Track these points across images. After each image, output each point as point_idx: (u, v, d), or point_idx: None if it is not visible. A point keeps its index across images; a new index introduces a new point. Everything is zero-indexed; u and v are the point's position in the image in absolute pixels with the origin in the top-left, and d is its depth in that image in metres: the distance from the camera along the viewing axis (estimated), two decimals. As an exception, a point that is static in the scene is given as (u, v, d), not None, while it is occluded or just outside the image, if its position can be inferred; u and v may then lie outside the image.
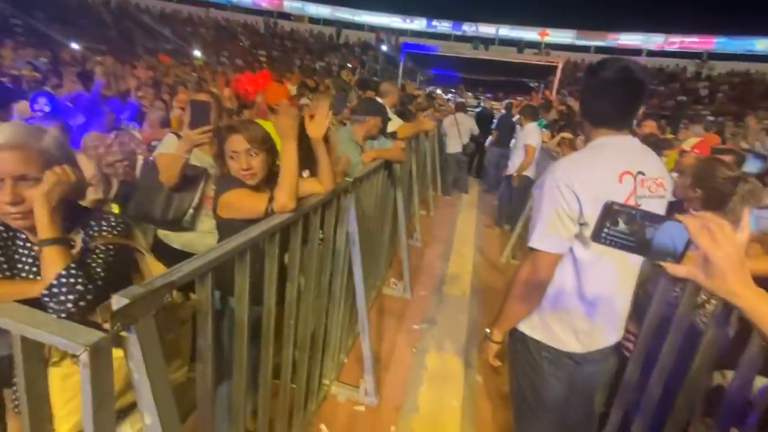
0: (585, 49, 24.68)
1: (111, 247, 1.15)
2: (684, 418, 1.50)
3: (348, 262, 2.24)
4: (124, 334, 0.82)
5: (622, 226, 0.75)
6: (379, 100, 3.17)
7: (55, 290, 0.96)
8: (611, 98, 1.27)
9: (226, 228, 1.59)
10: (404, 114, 4.23)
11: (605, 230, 0.76)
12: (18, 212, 1.03)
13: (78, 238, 1.12)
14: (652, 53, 24.57)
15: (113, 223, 1.20)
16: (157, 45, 18.22)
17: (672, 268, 0.75)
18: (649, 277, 1.85)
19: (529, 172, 5.14)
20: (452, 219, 5.84)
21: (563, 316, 1.39)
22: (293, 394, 1.91)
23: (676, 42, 24.58)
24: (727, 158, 2.66)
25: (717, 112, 17.76)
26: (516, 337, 1.50)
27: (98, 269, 1.10)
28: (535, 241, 1.28)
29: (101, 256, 1.12)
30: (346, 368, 2.61)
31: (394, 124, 3.53)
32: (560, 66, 12.25)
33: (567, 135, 4.39)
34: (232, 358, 1.41)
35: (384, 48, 19.92)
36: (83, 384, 0.79)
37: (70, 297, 0.96)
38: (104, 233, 1.16)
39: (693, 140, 2.93)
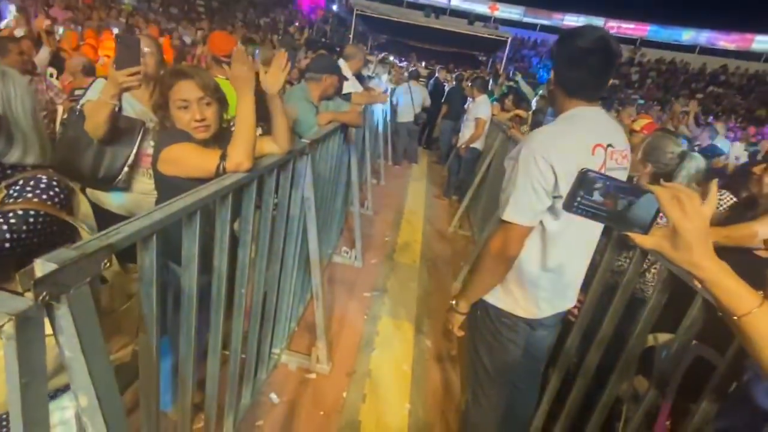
0: (532, 26, 25.18)
1: (32, 215, 0.92)
2: (623, 379, 1.62)
3: (302, 228, 2.14)
4: (54, 304, 0.70)
5: (595, 195, 0.74)
6: (342, 62, 2.98)
7: None
8: (588, 67, 1.26)
9: (167, 186, 1.40)
10: (362, 78, 4.06)
11: (578, 199, 0.75)
12: None
13: None
14: (591, 36, 25.53)
15: (47, 188, 0.97)
16: (76, -18, 16.03)
17: (639, 239, 0.75)
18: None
19: (478, 145, 5.23)
20: (402, 189, 5.84)
21: (526, 285, 1.41)
22: (243, 364, 1.83)
23: (614, 27, 25.77)
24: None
25: (645, 96, 19.08)
26: (477, 305, 1.52)
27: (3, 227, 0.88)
28: (509, 214, 1.27)
29: (11, 222, 0.90)
30: (296, 336, 2.55)
31: (352, 86, 3.38)
32: (509, 41, 12.44)
33: (521, 113, 4.48)
34: (177, 329, 1.30)
35: (334, 8, 19.05)
36: (7, 360, 0.66)
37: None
38: (31, 198, 0.94)
39: (642, 121, 3.09)
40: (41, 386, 0.73)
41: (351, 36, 12.46)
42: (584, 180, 0.73)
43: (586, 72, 1.27)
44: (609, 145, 1.30)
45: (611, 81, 1.41)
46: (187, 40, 8.25)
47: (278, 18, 18.30)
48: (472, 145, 5.23)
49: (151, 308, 1.00)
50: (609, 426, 1.78)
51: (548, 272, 1.40)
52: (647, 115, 5.50)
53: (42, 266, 0.68)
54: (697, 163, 1.76)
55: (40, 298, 0.66)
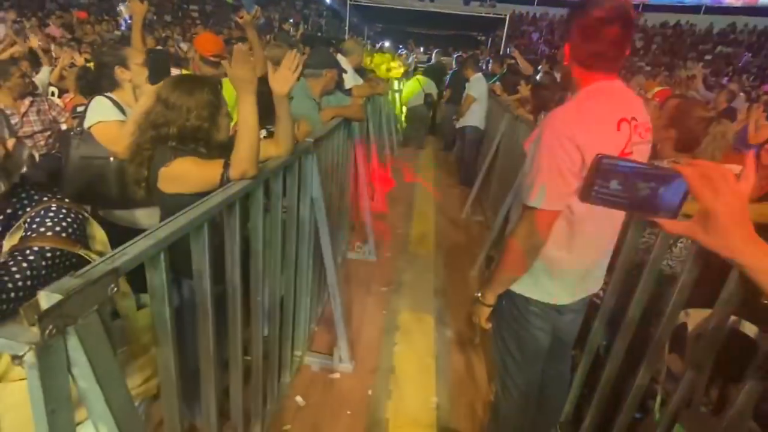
0: (529, 1, 24.64)
1: (48, 251, 0.90)
2: (655, 361, 1.56)
3: (314, 229, 2.11)
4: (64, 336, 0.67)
5: (613, 184, 0.67)
6: (341, 58, 2.91)
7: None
8: (606, 38, 1.17)
9: (171, 206, 1.34)
10: (362, 71, 3.98)
11: (595, 188, 0.68)
12: None
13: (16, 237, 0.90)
14: (592, 5, 24.89)
15: (61, 220, 0.94)
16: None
17: (668, 225, 0.68)
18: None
19: (478, 123, 5.13)
20: (411, 178, 5.77)
21: (554, 270, 1.36)
22: (266, 370, 1.81)
23: (615, -7, 25.03)
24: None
25: (651, 63, 18.58)
26: (501, 295, 1.47)
27: (15, 280, 0.85)
28: (535, 200, 1.20)
29: (30, 259, 0.88)
30: (317, 336, 2.54)
31: (352, 80, 3.31)
32: (507, 19, 12.17)
33: (524, 91, 4.36)
34: (196, 344, 1.28)
35: (328, 1, 18.83)
36: (32, 389, 0.65)
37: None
38: (45, 232, 0.91)
39: (655, 89, 2.99)
40: (68, 413, 0.72)
41: (347, 27, 12.29)
42: (600, 168, 0.67)
43: (605, 44, 1.18)
44: (633, 119, 1.22)
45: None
46: (184, 47, 8.22)
47: (273, 16, 18.17)
48: (471, 124, 5.14)
49: (165, 326, 0.97)
50: (642, 404, 1.73)
51: (576, 256, 1.34)
52: (654, 82, 5.34)
53: (46, 298, 0.65)
54: (723, 128, 1.67)
55: (47, 332, 0.63)
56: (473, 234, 4.23)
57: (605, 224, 1.36)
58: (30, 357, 0.63)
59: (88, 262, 0.94)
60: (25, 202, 0.96)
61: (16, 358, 0.64)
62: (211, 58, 2.72)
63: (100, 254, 0.98)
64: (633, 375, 1.87)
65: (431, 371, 2.37)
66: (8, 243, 0.90)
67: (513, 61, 6.89)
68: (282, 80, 1.39)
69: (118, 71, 1.82)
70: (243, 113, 1.29)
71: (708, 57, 18.76)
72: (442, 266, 3.55)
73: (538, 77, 5.91)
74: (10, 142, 0.91)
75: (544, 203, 1.20)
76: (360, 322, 2.73)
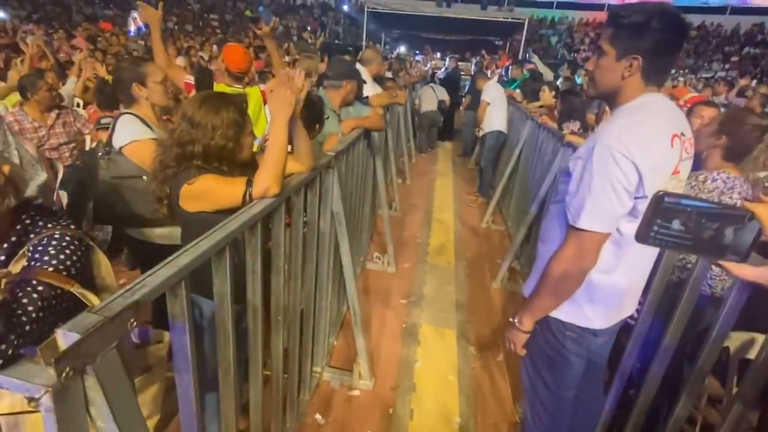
0: (548, 4, 24.38)
1: (54, 286, 0.87)
2: (696, 390, 1.47)
3: (334, 243, 2.07)
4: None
5: (675, 224, 0.61)
6: (360, 67, 2.88)
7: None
8: (675, 52, 1.12)
9: (193, 224, 1.33)
10: (380, 79, 3.95)
11: (655, 229, 0.62)
12: None
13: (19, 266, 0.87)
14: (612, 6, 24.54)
15: (62, 250, 0.91)
16: (97, 11, 16.61)
17: (737, 269, 0.62)
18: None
19: (501, 127, 5.05)
20: (429, 186, 5.71)
21: (596, 296, 1.28)
22: (285, 387, 1.78)
23: (636, -5, 24.57)
24: (709, 110, 2.63)
25: (675, 65, 18.11)
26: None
27: (29, 312, 0.81)
28: (585, 221, 1.13)
29: (39, 290, 0.84)
30: (336, 351, 2.49)
31: (371, 89, 3.28)
32: (526, 23, 12.03)
33: (547, 100, 4.27)
34: (213, 365, 1.25)
35: (345, 8, 18.98)
36: None
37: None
38: (46, 265, 0.88)
39: (687, 95, 2.88)
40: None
41: (364, 34, 12.34)
42: (660, 206, 0.60)
43: (668, 56, 1.12)
44: (682, 134, 1.15)
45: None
46: (204, 56, 8.36)
47: (290, 24, 18.41)
48: (489, 130, 5.06)
49: (185, 355, 0.94)
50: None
51: (619, 279, 1.26)
52: (685, 88, 5.17)
53: (64, 337, 0.62)
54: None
55: (64, 374, 0.60)
56: (494, 244, 4.14)
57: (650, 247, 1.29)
58: (46, 400, 0.60)
59: (81, 301, 0.91)
60: (29, 228, 0.94)
61: (33, 401, 0.61)
62: (236, 73, 2.73)
63: (101, 286, 0.95)
64: (668, 399, 1.78)
65: (454, 389, 2.30)
66: (13, 270, 0.87)
67: (533, 66, 6.79)
68: (282, 102, 1.31)
69: (135, 88, 1.81)
70: (274, 133, 1.28)
71: (734, 59, 18.21)
72: (463, 278, 3.47)
73: (559, 82, 5.80)
74: (6, 168, 0.88)
75: (595, 224, 1.13)
76: (379, 335, 2.68)
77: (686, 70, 15.64)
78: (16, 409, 0.88)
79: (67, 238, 0.92)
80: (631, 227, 1.16)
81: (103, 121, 3.03)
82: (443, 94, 7.12)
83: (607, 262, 1.23)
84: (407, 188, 5.49)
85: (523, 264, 3.42)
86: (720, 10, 21.43)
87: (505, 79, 6.55)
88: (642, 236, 0.62)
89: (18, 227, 0.93)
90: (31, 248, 0.89)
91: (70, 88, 4.35)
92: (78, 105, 4.25)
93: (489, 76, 6.16)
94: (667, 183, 1.14)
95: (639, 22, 1.11)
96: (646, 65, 1.14)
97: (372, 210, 3.67)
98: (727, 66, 17.50)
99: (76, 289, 0.85)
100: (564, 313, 1.32)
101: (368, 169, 3.07)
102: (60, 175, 2.61)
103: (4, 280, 0.79)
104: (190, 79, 2.58)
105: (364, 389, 2.25)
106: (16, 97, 3.37)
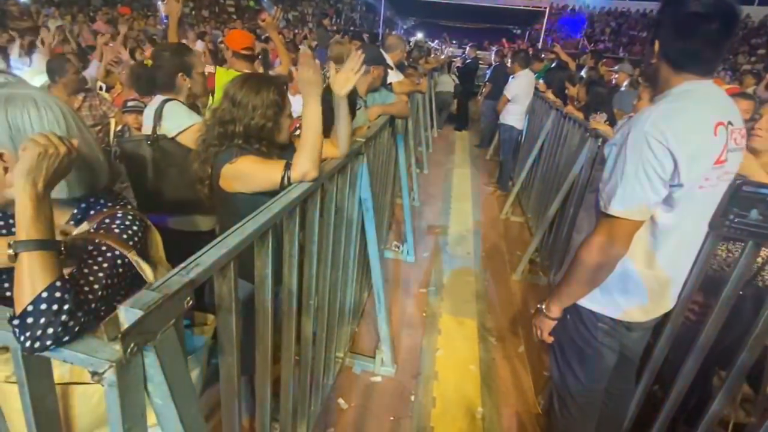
0: (569, -7, 23.78)
1: (117, 256, 0.88)
2: (732, 393, 1.44)
3: (360, 230, 2.06)
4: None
5: (754, 214, 0.58)
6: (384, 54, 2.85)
7: (30, 320, 0.67)
8: (702, 36, 1.06)
9: (231, 204, 1.35)
10: (400, 67, 3.90)
11: (730, 217, 0.59)
12: None
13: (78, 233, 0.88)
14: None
15: (127, 227, 0.92)
16: (114, -5, 16.66)
17: None
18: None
19: (515, 123, 4.96)
20: (447, 176, 5.67)
21: (630, 288, 1.26)
22: (311, 371, 1.79)
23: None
24: (746, 103, 2.54)
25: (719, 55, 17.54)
26: (567, 308, 1.36)
27: (96, 286, 0.82)
28: (617, 207, 1.10)
29: (104, 265, 0.85)
30: (357, 338, 2.51)
31: (394, 76, 3.24)
32: (547, 11, 11.78)
33: (572, 91, 4.16)
34: (245, 347, 1.26)
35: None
36: (110, 406, 0.64)
37: (50, 331, 0.67)
38: (110, 232, 0.90)
39: (723, 87, 2.78)
40: (143, 430, 0.69)
41: (381, 21, 12.22)
42: (738, 195, 0.58)
43: (701, 42, 1.07)
44: (729, 123, 1.10)
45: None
46: (223, 46, 8.36)
47: (306, 11, 18.28)
48: (506, 123, 4.98)
49: (230, 336, 0.94)
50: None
51: (656, 272, 1.23)
52: (719, 79, 5.01)
53: (126, 314, 0.62)
54: None
55: (128, 350, 0.60)
56: (513, 235, 4.10)
57: (693, 239, 1.24)
58: (110, 374, 0.61)
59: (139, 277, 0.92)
60: (92, 205, 0.95)
61: (96, 375, 0.62)
62: (242, 52, 2.74)
63: (155, 265, 0.96)
64: (698, 395, 1.75)
65: (476, 379, 2.30)
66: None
67: (553, 55, 6.64)
68: (343, 81, 1.35)
69: (180, 78, 1.81)
70: (307, 115, 1.27)
71: (761, 51, 17.62)
72: (482, 268, 3.45)
73: (582, 73, 5.67)
74: (74, 141, 0.88)
75: (627, 212, 1.10)
76: (400, 324, 2.68)
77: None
78: (65, 379, 0.89)
79: (130, 216, 0.94)
80: (667, 218, 1.14)
81: (129, 104, 3.05)
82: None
83: (643, 253, 1.20)
84: (425, 178, 5.46)
85: (543, 256, 3.38)
86: (747, 0, 20.70)
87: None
88: (716, 225, 0.60)
89: (82, 205, 0.94)
90: (95, 225, 0.90)
91: (93, 71, 4.39)
92: (101, 88, 4.29)
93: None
94: (708, 173, 1.10)
95: (662, 5, 1.14)
96: (667, 51, 1.13)
97: (392, 198, 3.65)
98: (753, 58, 16.92)
99: (133, 257, 0.86)
100: (597, 304, 1.31)
101: (391, 157, 3.05)
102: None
103: (71, 240, 0.81)
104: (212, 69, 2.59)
105: (386, 376, 2.26)
106: (41, 80, 3.41)
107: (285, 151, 1.40)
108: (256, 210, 1.03)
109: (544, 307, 1.35)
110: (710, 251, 1.54)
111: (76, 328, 0.68)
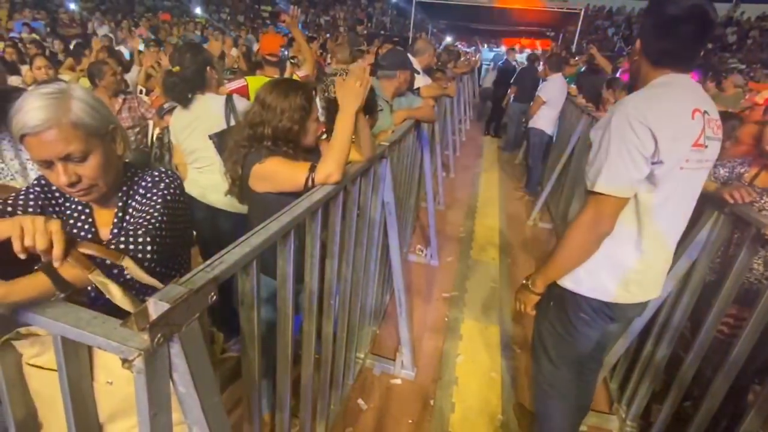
0: (605, -6, 23.11)
1: (169, 202, 1.00)
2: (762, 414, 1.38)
3: (383, 232, 2.09)
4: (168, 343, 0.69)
5: None
6: (411, 58, 2.88)
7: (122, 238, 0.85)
8: (679, 37, 1.15)
9: (259, 204, 1.41)
10: (429, 71, 3.91)
11: None
12: (80, 190, 0.92)
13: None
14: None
15: (164, 175, 1.04)
16: (156, 3, 17.43)
17: None
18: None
19: (546, 128, 4.86)
20: (474, 180, 5.62)
21: (615, 265, 1.30)
22: (331, 370, 1.82)
23: (705, -17, 22.77)
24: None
25: (745, 60, 16.69)
26: (552, 293, 1.42)
27: (161, 227, 0.95)
28: (602, 185, 1.17)
29: (156, 206, 0.98)
30: (379, 340, 2.52)
31: (422, 80, 3.25)
32: (582, 13, 11.50)
33: (609, 98, 4.06)
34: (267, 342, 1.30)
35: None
36: (138, 392, 0.68)
37: (143, 247, 0.85)
38: (155, 183, 1.02)
39: (766, 93, 2.65)
40: (168, 416, 0.74)
41: (411, 25, 12.23)
42: None
43: (677, 42, 1.15)
44: (705, 112, 1.17)
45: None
46: (255, 47, 8.61)
47: (337, 15, 18.53)
48: (537, 127, 4.89)
49: (252, 332, 0.98)
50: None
51: (642, 252, 1.27)
52: (762, 84, 4.78)
53: (155, 306, 0.66)
54: None
55: (156, 340, 0.64)
56: (540, 242, 4.03)
57: (677, 219, 1.29)
58: (139, 362, 0.65)
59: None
60: (136, 178, 1.05)
61: (126, 362, 0.66)
62: (268, 57, 2.86)
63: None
64: (732, 412, 1.68)
65: (497, 387, 2.27)
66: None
67: (587, 57, 6.47)
68: (351, 96, 1.33)
69: (209, 71, 1.93)
70: (341, 123, 1.32)
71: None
72: (507, 274, 3.41)
73: (618, 75, 5.51)
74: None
75: (612, 189, 1.16)
76: (421, 327, 2.69)
77: (758, 65, 14.40)
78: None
79: (170, 175, 1.05)
80: (651, 197, 1.20)
81: (166, 106, 3.18)
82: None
83: (628, 232, 1.25)
84: (451, 182, 5.44)
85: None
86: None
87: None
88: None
89: (124, 188, 1.02)
90: (141, 191, 1.01)
91: (134, 75, 4.61)
92: (141, 92, 4.50)
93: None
94: (688, 154, 1.17)
95: (646, 9, 1.23)
96: (648, 49, 1.22)
97: (416, 202, 3.66)
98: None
99: (96, 276, 0.84)
100: (583, 286, 1.34)
101: (416, 161, 3.06)
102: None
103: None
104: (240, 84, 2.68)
105: (406, 378, 2.27)
106: (85, 84, 3.62)
107: (311, 154, 1.45)
108: (281, 210, 1.07)
109: (529, 281, 1.43)
110: (746, 263, 1.49)
111: (156, 251, 0.89)
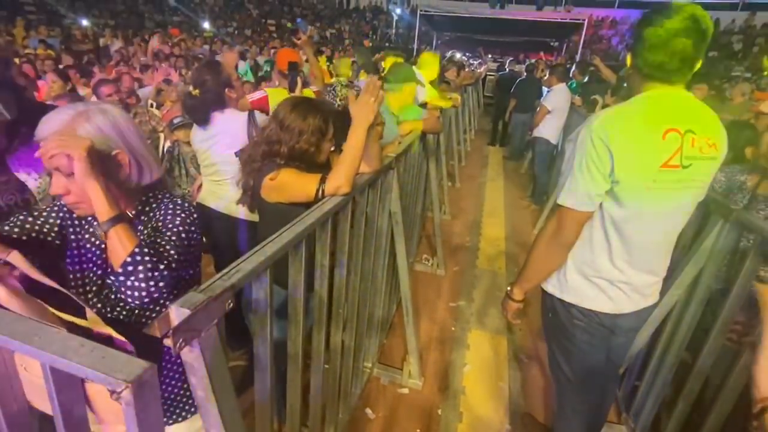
0: (609, 3, 23.28)
1: (181, 226, 1.03)
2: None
3: (390, 242, 2.12)
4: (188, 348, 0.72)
5: None
6: (416, 71, 2.94)
7: (130, 268, 0.88)
8: (670, 51, 1.13)
9: (271, 214, 1.45)
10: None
11: None
12: (68, 203, 0.97)
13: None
14: (682, 5, 22.93)
15: (184, 207, 1.07)
16: (166, 18, 17.81)
17: None
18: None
19: (549, 137, 4.88)
20: (479, 190, 5.65)
21: (594, 274, 1.32)
22: (340, 378, 1.84)
23: (709, -8, 22.87)
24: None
25: (751, 68, 16.67)
26: (547, 304, 1.46)
27: (171, 250, 0.98)
28: (563, 197, 1.22)
29: (173, 237, 1.00)
30: (386, 349, 2.54)
31: (426, 93, 3.31)
32: (585, 23, 11.58)
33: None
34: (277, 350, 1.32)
35: (398, 12, 19.13)
36: (128, 425, 0.63)
37: (145, 275, 0.88)
38: (176, 213, 1.05)
39: (771, 101, 2.67)
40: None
41: (416, 37, 12.39)
42: None
43: (669, 56, 1.14)
44: (689, 131, 1.15)
45: (710, 53, 1.27)
46: (260, 60, 8.75)
47: (343, 28, 18.81)
48: (542, 136, 4.92)
49: (265, 341, 1.01)
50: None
51: (617, 262, 1.29)
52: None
53: (176, 312, 0.69)
54: None
55: (177, 344, 0.67)
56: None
57: (654, 231, 1.27)
58: (127, 394, 0.60)
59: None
60: (154, 205, 1.07)
61: (113, 393, 0.65)
62: (283, 72, 2.93)
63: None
64: (742, 422, 1.67)
65: (504, 397, 2.27)
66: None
67: (592, 69, 6.51)
68: (366, 111, 1.34)
69: (227, 92, 2.00)
70: (353, 137, 1.34)
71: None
72: (514, 284, 3.40)
73: (624, 85, 5.54)
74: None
75: (571, 201, 1.20)
76: (429, 337, 2.70)
77: (765, 73, 14.35)
78: None
79: (186, 203, 1.09)
80: (619, 213, 1.21)
81: (176, 120, 3.25)
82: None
83: (600, 245, 1.28)
84: (457, 191, 5.47)
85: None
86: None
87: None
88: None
89: (141, 216, 1.05)
90: (161, 219, 1.04)
91: (147, 90, 4.72)
92: (152, 105, 4.60)
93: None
94: (654, 175, 1.15)
95: (638, 21, 1.22)
96: (636, 62, 1.21)
97: (422, 212, 3.69)
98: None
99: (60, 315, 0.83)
100: (569, 294, 1.37)
101: (422, 171, 3.10)
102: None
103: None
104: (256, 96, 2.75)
105: (414, 388, 2.28)
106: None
107: (322, 167, 1.49)
108: (293, 220, 1.11)
109: (509, 289, 1.48)
110: (752, 271, 1.50)
111: (161, 281, 0.90)
